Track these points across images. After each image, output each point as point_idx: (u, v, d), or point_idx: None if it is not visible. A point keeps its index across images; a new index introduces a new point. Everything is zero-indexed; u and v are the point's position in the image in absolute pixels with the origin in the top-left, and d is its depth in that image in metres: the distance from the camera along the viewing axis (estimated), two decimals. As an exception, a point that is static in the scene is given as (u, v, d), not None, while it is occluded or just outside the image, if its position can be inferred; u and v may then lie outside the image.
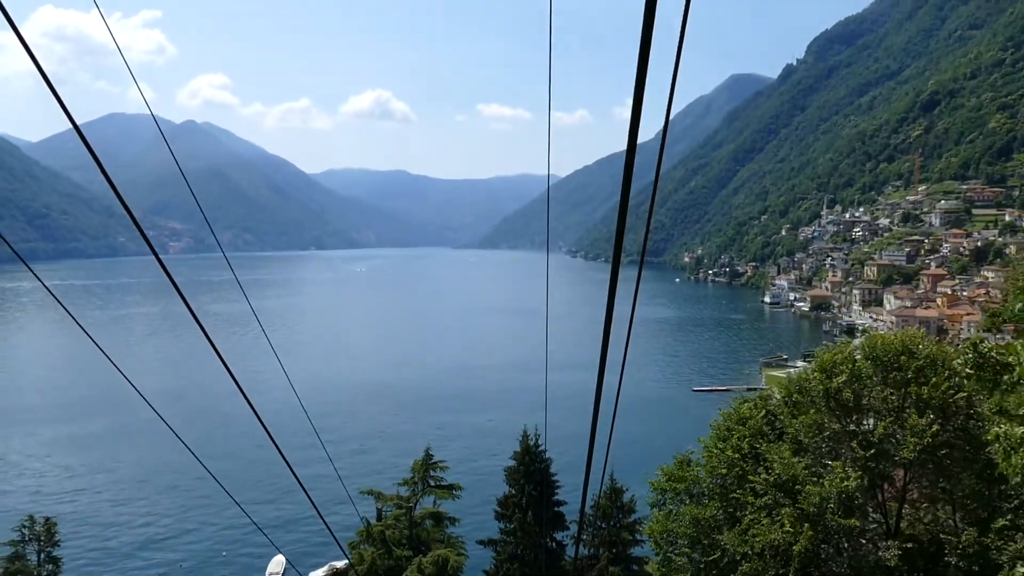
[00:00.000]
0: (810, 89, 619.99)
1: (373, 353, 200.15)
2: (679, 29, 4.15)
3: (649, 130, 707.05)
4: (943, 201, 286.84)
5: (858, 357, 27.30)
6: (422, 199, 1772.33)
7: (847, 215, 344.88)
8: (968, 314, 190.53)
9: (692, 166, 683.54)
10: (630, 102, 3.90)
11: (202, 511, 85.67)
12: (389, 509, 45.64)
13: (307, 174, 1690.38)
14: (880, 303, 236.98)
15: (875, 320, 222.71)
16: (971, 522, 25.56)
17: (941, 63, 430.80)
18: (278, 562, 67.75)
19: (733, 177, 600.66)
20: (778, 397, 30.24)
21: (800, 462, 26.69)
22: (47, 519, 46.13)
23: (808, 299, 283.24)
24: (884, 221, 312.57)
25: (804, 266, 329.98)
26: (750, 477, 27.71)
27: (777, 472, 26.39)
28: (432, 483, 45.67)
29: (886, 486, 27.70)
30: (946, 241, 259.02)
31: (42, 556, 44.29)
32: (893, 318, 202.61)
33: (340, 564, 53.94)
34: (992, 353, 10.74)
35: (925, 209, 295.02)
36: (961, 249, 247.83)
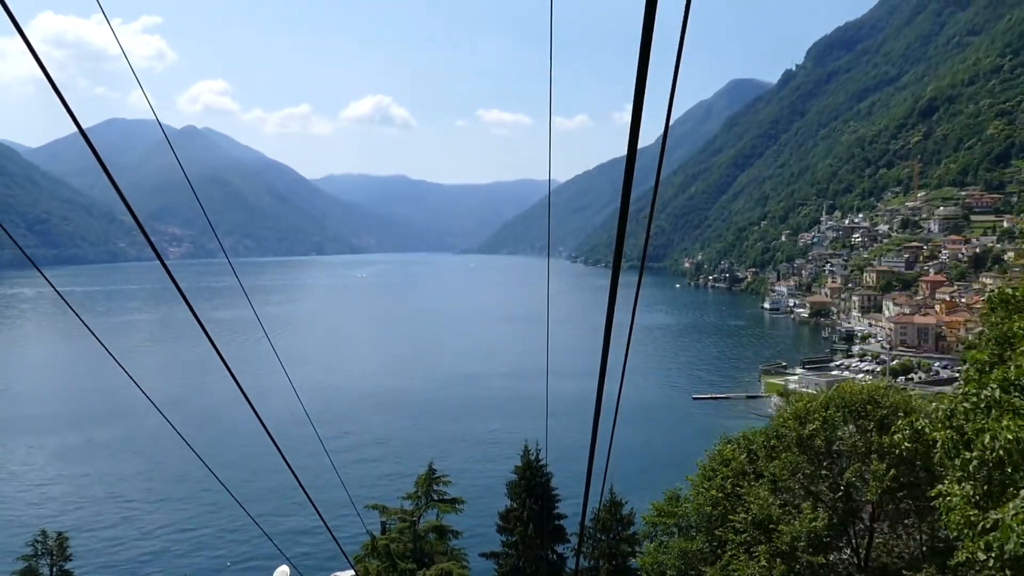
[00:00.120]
0: (809, 94, 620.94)
1: (374, 361, 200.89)
2: (679, 34, 4.14)
3: (649, 135, 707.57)
4: (942, 207, 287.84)
5: (829, 407, 28.77)
6: (422, 204, 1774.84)
7: (846, 221, 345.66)
8: (967, 320, 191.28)
9: (692, 171, 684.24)
10: (630, 107, 3.89)
11: (207, 520, 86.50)
12: (393, 523, 46.47)
13: (307, 180, 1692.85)
14: (879, 309, 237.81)
15: (874, 326, 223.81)
16: (934, 553, 26.79)
17: (940, 69, 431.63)
18: (283, 572, 68.42)
19: (733, 182, 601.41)
20: (759, 441, 32.12)
21: (776, 502, 28.70)
22: (59, 533, 46.89)
23: (807, 305, 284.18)
24: (883, 227, 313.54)
25: (804, 272, 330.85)
26: (730, 516, 29.77)
27: (754, 512, 28.41)
28: (435, 497, 46.52)
29: (856, 522, 29.27)
30: (945, 247, 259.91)
31: (54, 570, 45.08)
32: (892, 325, 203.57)
33: (346, 575, 54.75)
34: (927, 428, 11.57)
35: (924, 215, 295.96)
36: (960, 255, 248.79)
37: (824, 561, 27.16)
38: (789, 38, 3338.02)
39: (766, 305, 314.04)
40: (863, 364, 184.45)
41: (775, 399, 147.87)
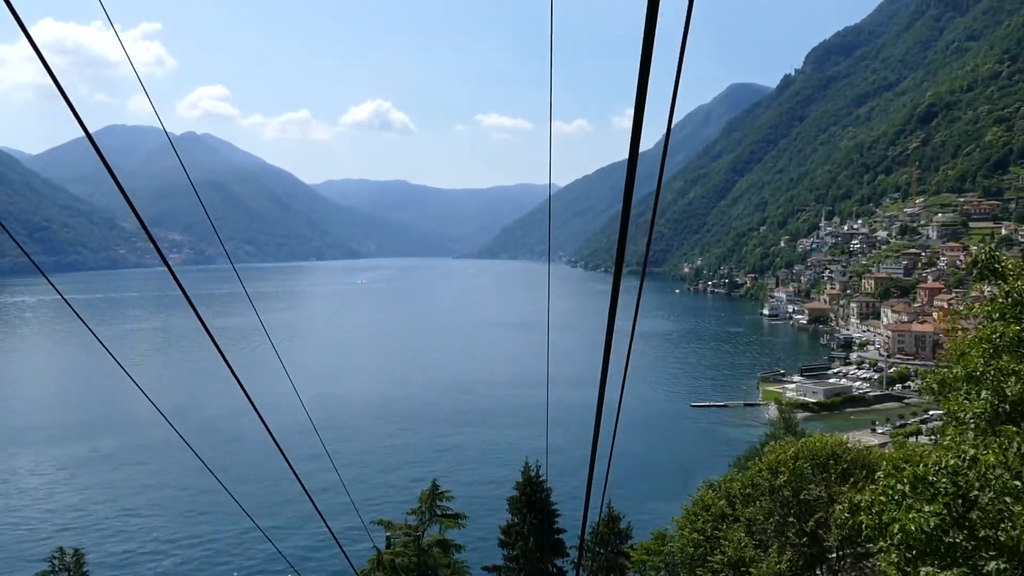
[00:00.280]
0: (808, 100, 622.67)
1: (375, 369, 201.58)
2: (679, 38, 4.14)
3: (648, 139, 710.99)
4: (940, 214, 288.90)
5: (799, 458, 30.89)
6: (422, 209, 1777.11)
7: (845, 227, 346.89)
8: (963, 329, 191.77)
9: (691, 176, 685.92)
10: (629, 112, 3.87)
11: (215, 532, 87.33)
12: (398, 537, 47.52)
13: (307, 185, 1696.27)
14: (877, 316, 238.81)
15: (872, 332, 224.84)
16: None
17: (939, 75, 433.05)
18: None
19: (732, 187, 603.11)
20: (735, 488, 34.48)
21: (751, 542, 31.21)
22: (76, 550, 47.83)
23: (806, 312, 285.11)
24: (882, 233, 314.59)
25: (803, 278, 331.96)
26: (708, 557, 32.49)
27: (730, 554, 30.94)
28: (439, 512, 47.53)
29: (822, 563, 31.93)
30: (943, 254, 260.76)
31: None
32: (890, 333, 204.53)
33: (350, 589, 55.81)
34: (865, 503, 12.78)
35: (922, 222, 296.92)
36: (958, 262, 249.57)
37: None
38: (788, 43, 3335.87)
39: (765, 311, 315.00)
40: (861, 372, 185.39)
41: (773, 407, 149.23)
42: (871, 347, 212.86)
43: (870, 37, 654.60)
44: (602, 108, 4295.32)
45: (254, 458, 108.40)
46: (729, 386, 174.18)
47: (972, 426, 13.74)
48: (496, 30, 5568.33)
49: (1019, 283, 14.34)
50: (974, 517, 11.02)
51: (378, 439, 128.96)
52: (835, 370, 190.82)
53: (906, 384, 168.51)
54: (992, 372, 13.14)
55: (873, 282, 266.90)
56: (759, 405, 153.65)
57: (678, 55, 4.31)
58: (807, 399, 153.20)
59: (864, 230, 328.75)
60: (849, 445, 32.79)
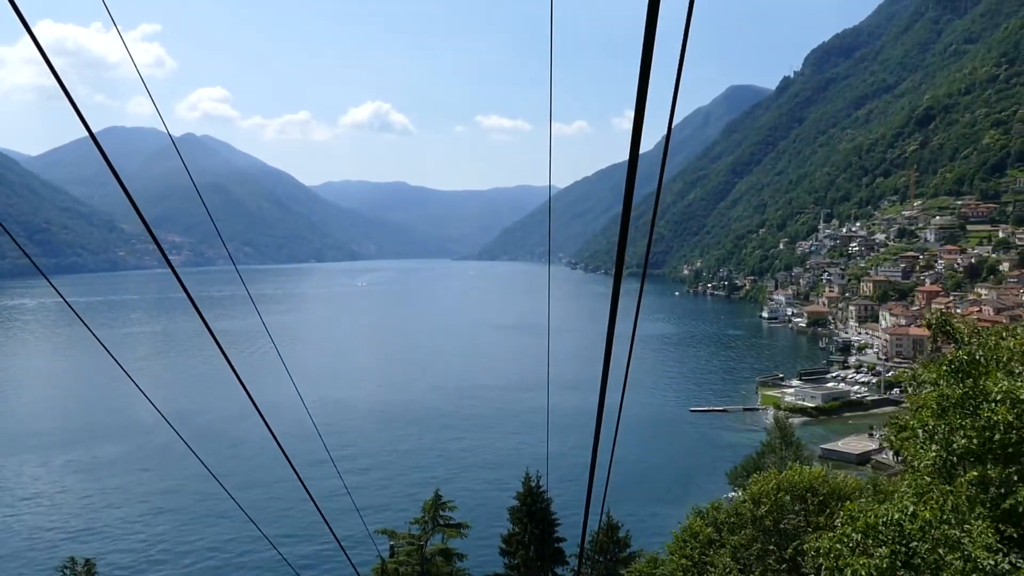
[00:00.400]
0: (807, 102, 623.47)
1: (376, 373, 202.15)
2: (680, 40, 4.17)
3: (648, 141, 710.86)
4: (938, 217, 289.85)
5: (780, 490, 32.66)
6: (422, 211, 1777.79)
7: (844, 230, 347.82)
8: (920, 384, 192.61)
9: (690, 178, 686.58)
10: (629, 113, 3.46)
11: (216, 538, 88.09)
12: (402, 546, 48.51)
13: (307, 186, 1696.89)
14: (876, 319, 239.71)
15: (871, 336, 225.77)
16: None
17: (937, 77, 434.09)
18: None
19: (731, 189, 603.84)
20: (721, 517, 36.48)
21: (735, 568, 32.94)
22: (87, 560, 48.67)
23: (805, 315, 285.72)
24: (880, 236, 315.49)
25: (801, 281, 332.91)
26: None
27: None
28: (441, 522, 48.59)
29: None
30: (941, 257, 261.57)
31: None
32: (888, 336, 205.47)
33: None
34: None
35: (920, 224, 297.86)
36: (955, 266, 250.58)
37: None
38: (787, 45, 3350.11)
39: (764, 314, 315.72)
40: (859, 376, 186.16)
41: (771, 412, 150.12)
42: (869, 350, 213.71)
43: (869, 39, 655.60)
44: (602, 109, 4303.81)
45: (257, 463, 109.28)
46: (728, 390, 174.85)
47: (924, 474, 15.10)
48: (496, 31, 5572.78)
49: (969, 346, 15.59)
50: (917, 562, 12.28)
51: (379, 444, 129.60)
52: (833, 374, 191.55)
53: (904, 388, 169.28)
54: (942, 427, 14.29)
55: (871, 285, 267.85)
56: (758, 410, 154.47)
57: (678, 57, 4.29)
58: (805, 404, 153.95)
59: (862, 233, 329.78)
60: (827, 478, 34.15)
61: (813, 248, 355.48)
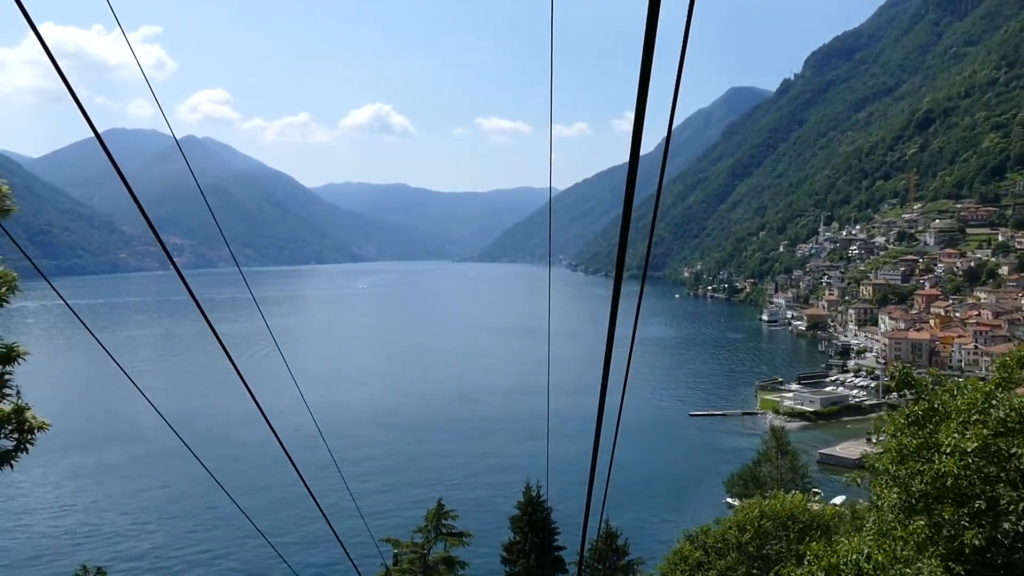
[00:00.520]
0: (808, 104, 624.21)
1: (378, 377, 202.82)
2: (680, 41, 4.21)
3: (649, 143, 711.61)
4: (937, 220, 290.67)
5: (763, 517, 34.07)
6: (422, 212, 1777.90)
7: (844, 232, 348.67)
8: (960, 336, 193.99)
9: (691, 181, 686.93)
10: (629, 115, 3.70)
11: (221, 545, 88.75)
12: (405, 554, 49.29)
13: (307, 188, 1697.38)
14: (875, 323, 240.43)
15: (870, 339, 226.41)
16: None
17: (937, 80, 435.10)
18: None
19: (732, 192, 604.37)
20: (709, 542, 37.98)
21: None
22: (99, 568, 49.33)
23: (805, 318, 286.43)
24: (880, 239, 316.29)
25: (801, 284, 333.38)
26: None
27: None
28: (444, 531, 49.34)
29: None
30: (940, 261, 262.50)
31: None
32: (887, 340, 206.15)
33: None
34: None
35: (920, 228, 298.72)
36: (955, 269, 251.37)
37: None
38: (788, 47, 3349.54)
39: (764, 317, 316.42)
40: (858, 380, 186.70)
41: (770, 416, 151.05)
42: (869, 354, 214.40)
43: (869, 41, 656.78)
44: (602, 111, 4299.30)
45: (261, 469, 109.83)
46: (728, 394, 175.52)
47: (888, 513, 16.63)
48: (496, 33, 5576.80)
49: (927, 400, 16.94)
50: None
51: (381, 449, 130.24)
52: (832, 378, 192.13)
53: (902, 393, 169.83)
54: (903, 471, 15.52)
55: (871, 288, 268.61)
56: (757, 414, 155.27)
57: (678, 58, 4.27)
58: (804, 408, 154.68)
59: (862, 236, 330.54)
60: (808, 505, 36.00)
61: (813, 251, 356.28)
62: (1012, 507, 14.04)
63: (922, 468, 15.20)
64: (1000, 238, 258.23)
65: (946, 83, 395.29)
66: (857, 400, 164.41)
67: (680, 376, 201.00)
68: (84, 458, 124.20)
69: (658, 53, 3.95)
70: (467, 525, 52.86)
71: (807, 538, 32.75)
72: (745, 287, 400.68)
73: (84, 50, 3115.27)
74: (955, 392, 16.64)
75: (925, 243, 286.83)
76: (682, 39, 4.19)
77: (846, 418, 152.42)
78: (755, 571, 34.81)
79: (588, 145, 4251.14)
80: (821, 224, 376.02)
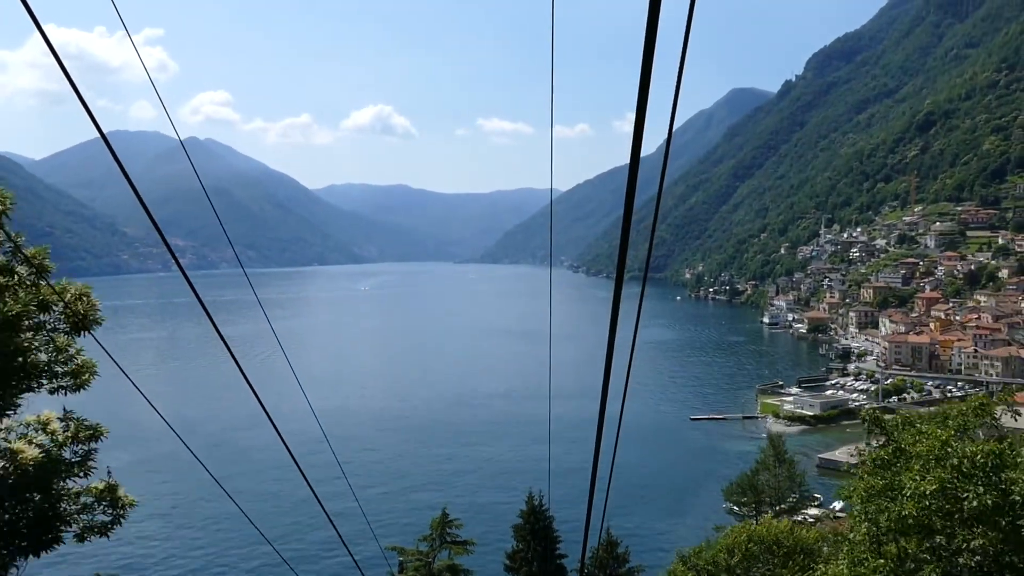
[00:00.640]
0: (809, 105, 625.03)
1: (380, 381, 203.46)
2: (680, 43, 4.20)
3: (650, 144, 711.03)
4: (938, 223, 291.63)
5: (751, 541, 35.41)
6: (424, 213, 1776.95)
7: (845, 235, 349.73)
8: (959, 339, 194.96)
9: (692, 182, 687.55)
10: (631, 115, 3.69)
11: (225, 553, 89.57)
12: (411, 563, 50.30)
13: (309, 189, 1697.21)
14: (876, 326, 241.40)
15: (871, 341, 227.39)
16: None
17: (938, 82, 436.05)
18: None
19: (733, 193, 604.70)
20: (702, 564, 39.38)
21: None
22: (109, 579, 50.60)
23: (806, 321, 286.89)
24: (881, 242, 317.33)
25: (802, 286, 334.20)
26: None
27: None
28: (448, 539, 50.35)
29: None
30: (940, 264, 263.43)
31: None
32: (887, 344, 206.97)
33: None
34: None
35: (920, 230, 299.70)
36: (955, 272, 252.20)
37: None
38: (789, 48, 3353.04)
39: (765, 320, 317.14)
40: (858, 383, 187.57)
41: (770, 420, 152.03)
42: (869, 357, 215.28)
43: (870, 43, 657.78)
44: (603, 112, 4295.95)
45: (265, 473, 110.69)
46: (728, 398, 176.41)
47: (859, 544, 18.29)
48: (497, 34, 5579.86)
49: (894, 442, 18.63)
50: None
51: (383, 454, 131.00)
52: (832, 381, 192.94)
53: (902, 396, 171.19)
54: (871, 507, 17.26)
55: (872, 291, 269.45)
56: (757, 418, 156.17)
57: (679, 59, 4.28)
58: (804, 412, 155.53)
59: (863, 238, 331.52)
60: (792, 530, 37.54)
61: (814, 253, 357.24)
62: (966, 545, 15.47)
63: (888, 506, 16.58)
64: (1000, 241, 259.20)
65: (947, 85, 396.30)
66: (857, 404, 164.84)
67: (681, 379, 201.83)
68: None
69: (659, 54, 3.94)
70: (471, 531, 53.92)
71: (791, 562, 34.10)
72: (746, 289, 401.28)
73: (86, 52, 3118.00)
74: (918, 437, 18.05)
75: (925, 246, 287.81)
76: (683, 40, 4.18)
77: (846, 422, 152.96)
78: None
79: (589, 146, 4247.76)
80: (822, 226, 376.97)
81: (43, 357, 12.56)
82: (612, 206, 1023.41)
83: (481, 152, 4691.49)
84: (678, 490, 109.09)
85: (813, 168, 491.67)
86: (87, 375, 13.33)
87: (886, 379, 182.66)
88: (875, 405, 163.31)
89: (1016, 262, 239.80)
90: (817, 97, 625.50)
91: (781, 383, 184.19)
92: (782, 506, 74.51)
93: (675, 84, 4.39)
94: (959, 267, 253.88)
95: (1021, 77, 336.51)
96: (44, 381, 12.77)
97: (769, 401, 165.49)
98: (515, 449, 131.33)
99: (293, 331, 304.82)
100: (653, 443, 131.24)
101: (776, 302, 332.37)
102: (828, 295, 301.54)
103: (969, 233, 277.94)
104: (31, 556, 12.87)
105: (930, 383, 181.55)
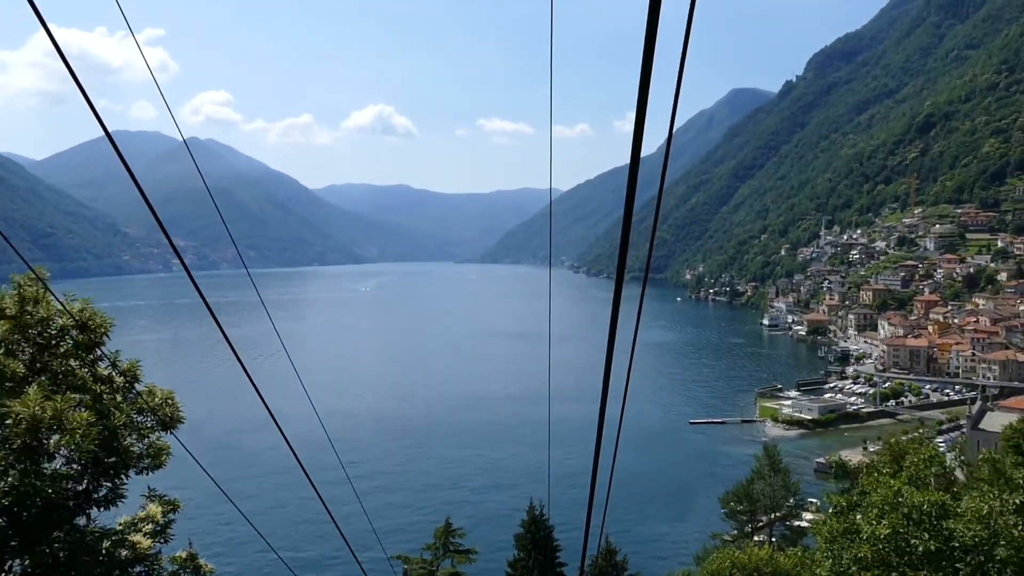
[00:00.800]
0: (810, 106, 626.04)
1: (382, 384, 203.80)
2: (681, 43, 4.20)
3: (651, 144, 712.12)
4: (938, 225, 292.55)
5: (734, 569, 37.07)
6: (424, 213, 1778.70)
7: (845, 236, 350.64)
8: (957, 343, 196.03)
9: (693, 182, 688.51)
10: (631, 115, 3.63)
11: (228, 559, 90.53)
12: (415, 570, 51.51)
13: (310, 189, 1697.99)
14: (875, 328, 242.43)
15: (870, 344, 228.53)
16: None
17: (938, 83, 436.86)
18: None
19: (734, 194, 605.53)
20: None
21: None
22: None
23: (805, 323, 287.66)
24: (880, 244, 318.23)
25: (802, 288, 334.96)
26: None
27: None
28: (452, 548, 51.62)
29: None
30: (940, 266, 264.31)
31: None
32: (885, 347, 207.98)
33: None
34: None
35: (920, 233, 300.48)
36: (954, 275, 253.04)
37: None
38: (790, 47, 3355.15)
39: (765, 322, 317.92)
40: (856, 387, 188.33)
41: (769, 424, 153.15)
42: (868, 360, 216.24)
43: (871, 43, 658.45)
44: (604, 112, 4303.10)
45: (268, 478, 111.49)
46: (728, 401, 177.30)
47: None
48: (497, 34, 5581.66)
49: (854, 489, 21.14)
50: None
51: (385, 458, 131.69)
52: (831, 385, 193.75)
53: (900, 400, 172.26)
54: (834, 546, 19.44)
55: (871, 293, 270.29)
56: (756, 422, 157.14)
57: (680, 59, 4.30)
58: (802, 416, 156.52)
59: (863, 240, 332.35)
60: (772, 557, 38.69)
61: (814, 255, 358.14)
62: None
63: (848, 546, 18.63)
64: (999, 243, 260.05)
65: (947, 87, 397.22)
66: (855, 408, 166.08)
67: (681, 382, 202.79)
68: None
69: (659, 54, 3.94)
70: (473, 538, 55.19)
71: None
72: (747, 291, 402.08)
73: (87, 52, 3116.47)
74: (874, 485, 20.11)
75: (925, 248, 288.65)
76: (683, 39, 4.17)
77: (844, 426, 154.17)
78: None
79: (590, 146, 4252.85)
80: (822, 228, 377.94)
81: (136, 450, 15.01)
82: (613, 206, 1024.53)
83: (482, 152, 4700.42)
84: (677, 495, 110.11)
85: (814, 169, 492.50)
86: (164, 456, 15.68)
87: (884, 383, 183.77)
88: (872, 409, 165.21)
89: (1015, 265, 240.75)
90: (818, 97, 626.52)
91: (780, 386, 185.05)
92: (777, 514, 75.76)
93: (675, 84, 4.39)
94: (958, 270, 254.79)
95: (1021, 79, 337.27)
96: (135, 467, 15.18)
97: (768, 405, 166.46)
98: (516, 454, 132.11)
99: (295, 333, 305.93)
100: (653, 447, 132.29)
101: (776, 304, 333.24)
102: (828, 297, 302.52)
103: (968, 236, 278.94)
104: None
105: (928, 387, 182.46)
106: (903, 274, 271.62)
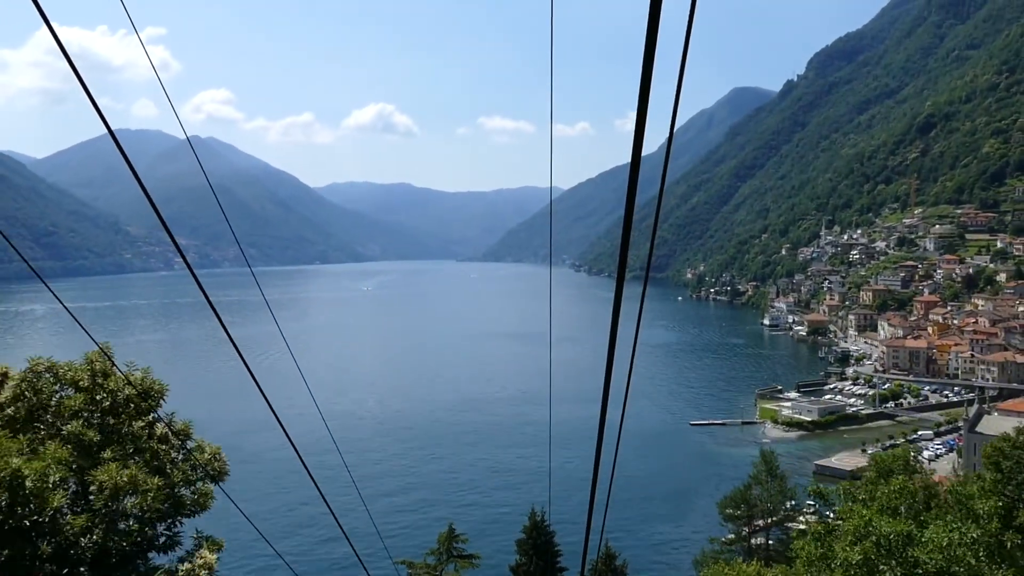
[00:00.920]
0: (810, 105, 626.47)
1: (383, 385, 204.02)
2: (682, 43, 4.18)
3: (651, 143, 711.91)
4: (937, 225, 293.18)
5: None
6: (426, 212, 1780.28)
7: (845, 237, 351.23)
8: (956, 344, 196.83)
9: (694, 182, 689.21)
10: (632, 114, 3.84)
11: (229, 563, 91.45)
12: (419, 575, 52.56)
13: (311, 188, 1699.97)
14: (875, 328, 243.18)
15: (870, 344, 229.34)
16: None
17: (939, 83, 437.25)
18: None
19: (735, 193, 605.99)
20: None
21: None
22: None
23: (806, 323, 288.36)
24: (880, 244, 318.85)
25: (803, 288, 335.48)
26: None
27: None
28: (455, 553, 52.66)
29: None
30: (939, 267, 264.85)
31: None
32: (885, 348, 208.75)
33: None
34: None
35: (920, 233, 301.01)
36: (954, 275, 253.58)
37: None
38: (790, 47, 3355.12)
39: (765, 322, 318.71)
40: (856, 388, 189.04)
41: (768, 425, 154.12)
42: (867, 361, 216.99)
43: (872, 43, 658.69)
44: (605, 111, 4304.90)
45: (270, 480, 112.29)
46: (728, 402, 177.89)
47: None
48: (498, 33, 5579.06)
49: (836, 512, 22.93)
50: None
51: (387, 461, 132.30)
52: (831, 386, 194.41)
53: (899, 401, 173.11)
54: (812, 570, 21.23)
55: (871, 294, 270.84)
56: (756, 423, 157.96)
57: (680, 58, 4.28)
58: (802, 418, 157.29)
59: (863, 241, 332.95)
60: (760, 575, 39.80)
61: (815, 255, 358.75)
62: None
63: (824, 569, 20.08)
64: (999, 244, 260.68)
65: (947, 87, 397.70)
66: (854, 410, 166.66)
67: (682, 383, 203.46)
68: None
69: (660, 53, 3.94)
70: (475, 541, 56.24)
71: None
72: (747, 290, 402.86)
73: (89, 51, 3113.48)
74: (847, 513, 21.76)
75: (925, 248, 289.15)
76: (684, 39, 4.19)
77: (843, 428, 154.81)
78: None
79: (591, 145, 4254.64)
80: (823, 228, 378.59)
81: (187, 499, 17.56)
82: (614, 205, 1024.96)
83: (483, 151, 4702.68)
84: (677, 496, 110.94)
85: (814, 169, 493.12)
86: (209, 501, 18.00)
87: (883, 384, 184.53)
88: (871, 410, 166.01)
89: (1014, 266, 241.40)
90: (819, 97, 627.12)
91: (780, 387, 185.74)
92: (774, 518, 76.87)
93: (676, 83, 4.39)
94: (958, 270, 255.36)
95: (1021, 80, 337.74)
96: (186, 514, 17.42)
97: (768, 406, 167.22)
98: (518, 456, 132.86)
99: (297, 333, 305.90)
100: (654, 448, 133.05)
101: (777, 304, 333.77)
102: (828, 297, 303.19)
103: (968, 236, 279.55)
104: None
105: (927, 388, 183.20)
106: (903, 274, 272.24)
